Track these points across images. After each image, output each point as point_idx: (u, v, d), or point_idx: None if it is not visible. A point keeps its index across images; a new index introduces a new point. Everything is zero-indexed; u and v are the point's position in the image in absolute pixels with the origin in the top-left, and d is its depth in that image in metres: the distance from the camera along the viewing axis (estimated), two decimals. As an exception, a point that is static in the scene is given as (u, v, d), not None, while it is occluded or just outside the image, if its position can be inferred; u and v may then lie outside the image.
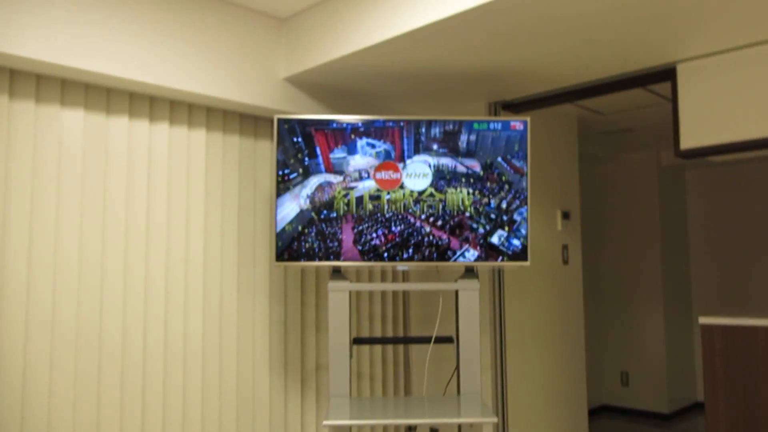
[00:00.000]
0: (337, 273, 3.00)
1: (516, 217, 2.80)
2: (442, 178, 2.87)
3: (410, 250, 2.81)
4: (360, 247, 2.84)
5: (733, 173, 5.83)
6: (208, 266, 3.15)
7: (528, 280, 4.00)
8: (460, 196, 2.92)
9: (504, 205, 2.80)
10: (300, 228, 2.90)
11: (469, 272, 3.02)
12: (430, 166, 2.85)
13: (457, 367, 3.00)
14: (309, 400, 3.54)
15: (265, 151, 3.43)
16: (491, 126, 2.98)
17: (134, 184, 2.92)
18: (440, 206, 2.92)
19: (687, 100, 3.04)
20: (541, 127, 4.20)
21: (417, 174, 2.92)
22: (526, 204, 2.86)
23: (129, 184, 2.90)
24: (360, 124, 2.89)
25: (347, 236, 2.87)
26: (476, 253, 2.80)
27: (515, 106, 3.76)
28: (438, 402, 2.85)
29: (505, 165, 2.82)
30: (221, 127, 3.24)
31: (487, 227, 2.81)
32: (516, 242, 2.78)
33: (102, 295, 2.79)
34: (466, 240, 2.81)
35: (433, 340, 3.14)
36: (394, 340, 3.31)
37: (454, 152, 2.90)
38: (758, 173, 5.68)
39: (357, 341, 3.18)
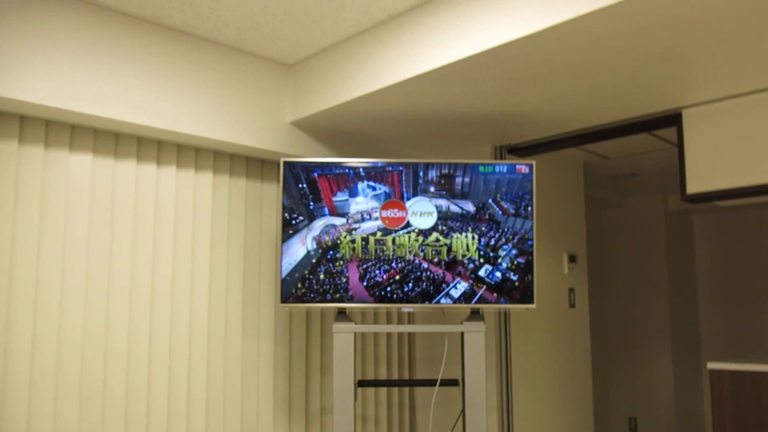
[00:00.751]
0: (342, 315, 2.99)
1: (501, 252, 2.91)
2: (446, 218, 2.90)
3: (410, 284, 2.89)
4: (365, 283, 2.88)
5: (740, 219, 5.82)
6: (213, 308, 3.15)
7: (535, 323, 3.97)
8: (465, 241, 2.93)
9: (492, 242, 2.92)
10: (308, 269, 2.91)
11: (475, 314, 3.00)
12: (433, 204, 2.91)
13: (463, 411, 2.96)
14: (313, 443, 3.49)
15: (271, 193, 3.45)
16: (497, 169, 2.99)
17: (141, 227, 2.94)
18: (445, 250, 2.92)
19: (693, 145, 3.05)
20: (547, 171, 4.21)
21: (422, 212, 2.93)
22: (511, 242, 2.92)
23: (135, 227, 2.92)
24: (361, 169, 2.93)
25: (353, 274, 2.91)
26: (466, 285, 2.89)
27: (520, 150, 3.78)
28: (443, 447, 2.81)
29: (495, 206, 2.94)
30: (228, 170, 3.27)
31: (477, 262, 2.91)
32: (498, 274, 2.89)
33: (107, 335, 2.79)
34: (459, 274, 2.90)
35: (438, 382, 3.11)
36: (400, 383, 3.28)
37: (450, 194, 2.93)
38: (766, 219, 5.67)
39: (362, 384, 3.15)
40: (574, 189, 4.46)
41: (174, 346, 2.99)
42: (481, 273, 2.91)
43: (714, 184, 2.97)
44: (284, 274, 2.93)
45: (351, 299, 2.90)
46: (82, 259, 2.73)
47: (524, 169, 2.99)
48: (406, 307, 2.96)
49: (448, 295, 2.88)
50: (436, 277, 2.90)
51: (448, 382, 3.11)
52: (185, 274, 3.06)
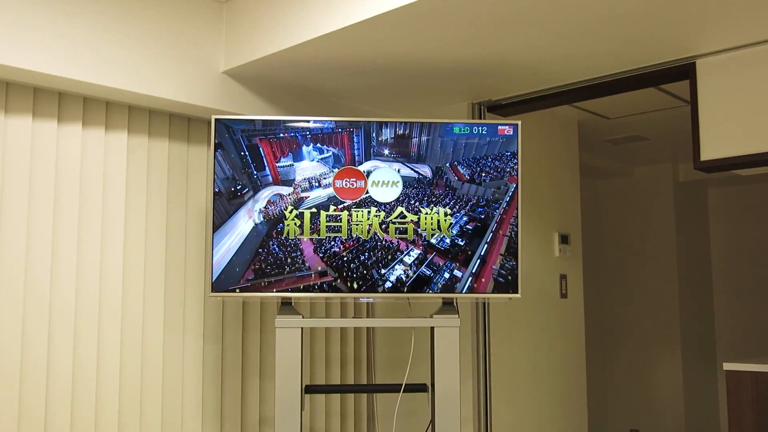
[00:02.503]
0: (286, 306, 3.01)
1: (453, 219, 3.03)
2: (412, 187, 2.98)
3: (367, 254, 2.99)
4: (321, 254, 2.98)
5: (764, 191, 5.96)
6: (127, 298, 3.15)
7: (518, 316, 4.04)
8: (435, 217, 2.98)
9: (448, 210, 3.06)
10: (258, 245, 2.97)
11: (448, 306, 3.06)
12: (398, 171, 3.02)
13: (432, 421, 3.02)
14: (251, 462, 3.54)
15: (200, 157, 3.44)
16: (475, 130, 3.03)
17: (37, 197, 2.91)
18: (411, 228, 2.97)
19: (709, 102, 3.11)
20: (534, 133, 4.27)
21: (386, 182, 2.97)
22: (464, 209, 3.05)
23: (30, 198, 2.89)
24: (307, 131, 2.99)
25: (307, 246, 2.99)
26: (418, 251, 3.01)
27: (503, 108, 3.82)
28: (407, 463, 2.87)
29: (451, 172, 3.06)
30: (146, 129, 3.25)
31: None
32: (447, 240, 3.03)
33: (-5, 332, 2.77)
34: (413, 242, 3.01)
35: (402, 388, 3.17)
36: (356, 389, 3.33)
37: (406, 157, 3.01)
38: (793, 191, 5.82)
39: (310, 390, 3.19)
40: (566, 155, 4.53)
41: (78, 343, 2.99)
42: (433, 240, 3.02)
43: (734, 149, 3.04)
44: (224, 256, 2.93)
45: (308, 270, 2.96)
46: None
47: (507, 131, 3.04)
48: (365, 297, 3.00)
49: (402, 261, 2.98)
50: (390, 245, 3.00)
51: (414, 388, 3.18)
52: (93, 256, 3.04)
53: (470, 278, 3.01)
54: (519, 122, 3.06)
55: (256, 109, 3.42)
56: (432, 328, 3.05)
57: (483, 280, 3.02)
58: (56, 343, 2.92)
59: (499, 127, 3.05)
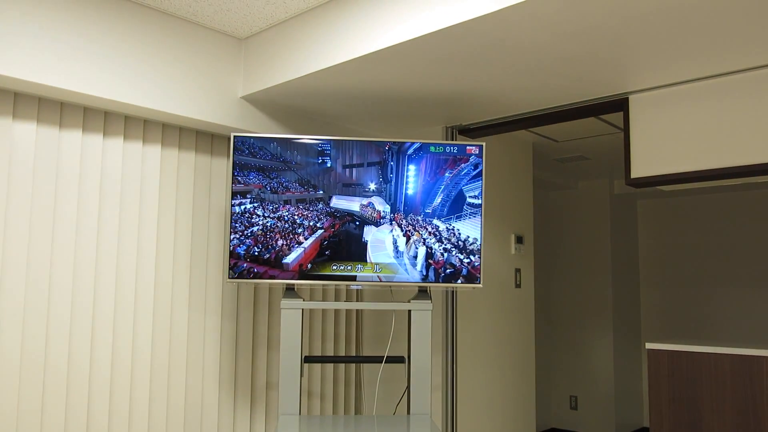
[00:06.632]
0: (290, 291, 3.01)
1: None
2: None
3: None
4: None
5: (683, 204, 6.00)
6: (159, 282, 3.13)
7: (481, 302, 4.05)
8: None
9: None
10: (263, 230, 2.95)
11: (423, 293, 3.06)
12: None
13: (408, 387, 3.02)
14: (258, 418, 3.52)
15: (221, 168, 3.43)
16: (447, 150, 3.03)
17: (85, 198, 2.89)
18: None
19: (638, 130, 3.13)
20: (496, 152, 4.28)
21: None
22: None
23: (80, 199, 2.88)
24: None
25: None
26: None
27: (471, 131, 3.83)
28: (387, 422, 2.86)
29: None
30: (176, 143, 3.23)
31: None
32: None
33: (49, 310, 2.75)
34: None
35: (384, 359, 3.17)
36: (346, 359, 3.32)
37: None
38: (707, 204, 5.87)
39: (308, 360, 3.18)
40: (522, 171, 4.54)
41: (118, 321, 2.97)
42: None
43: (658, 169, 3.06)
44: (238, 247, 2.92)
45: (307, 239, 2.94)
46: (24, 232, 2.68)
47: (474, 150, 3.04)
48: (355, 285, 2.99)
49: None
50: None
51: (394, 359, 3.17)
52: (131, 249, 3.03)
53: (441, 271, 3.01)
54: (483, 143, 3.06)
55: (268, 127, 3.41)
56: (409, 312, 3.05)
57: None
58: (100, 319, 2.91)
59: (467, 147, 3.05)
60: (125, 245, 3.02)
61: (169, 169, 3.20)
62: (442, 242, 3.01)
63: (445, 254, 3.01)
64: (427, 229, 3.01)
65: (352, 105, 3.43)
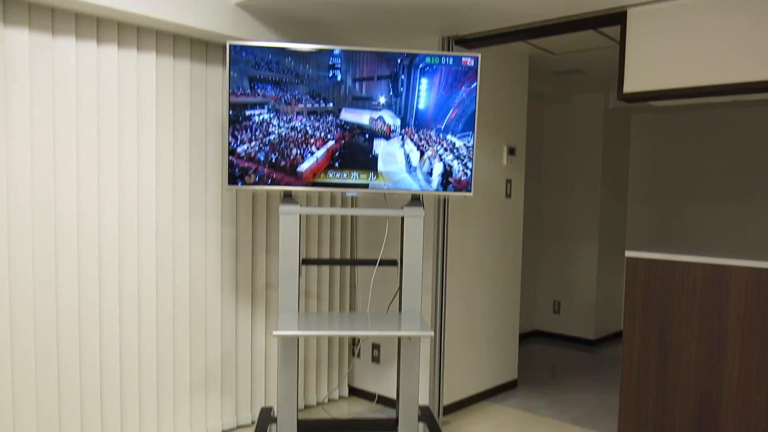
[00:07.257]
0: (287, 197, 3.08)
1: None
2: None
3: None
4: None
5: (677, 119, 6.03)
6: (160, 189, 3.21)
7: (471, 211, 4.15)
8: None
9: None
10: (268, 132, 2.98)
11: (415, 200, 3.15)
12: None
13: (400, 289, 3.15)
14: (259, 314, 3.68)
15: (216, 77, 3.43)
16: (443, 60, 3.05)
17: (83, 106, 2.92)
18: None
19: (634, 44, 3.13)
20: (492, 64, 4.28)
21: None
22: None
23: (78, 107, 2.90)
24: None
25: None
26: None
27: (468, 42, 3.82)
28: (380, 317, 3.01)
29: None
30: (171, 51, 3.23)
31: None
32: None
33: (56, 220, 2.84)
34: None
35: (378, 262, 3.28)
36: (341, 262, 3.42)
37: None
38: (701, 122, 5.90)
39: (306, 262, 3.29)
40: (518, 83, 4.55)
41: (122, 227, 3.07)
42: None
43: (650, 84, 3.08)
44: (258, 153, 2.98)
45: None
46: (25, 141, 2.73)
47: (470, 62, 3.06)
48: (350, 191, 3.07)
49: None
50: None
51: (387, 263, 3.28)
52: (131, 156, 3.08)
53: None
54: (479, 55, 3.07)
55: (264, 36, 3.40)
56: (402, 218, 3.14)
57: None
58: (105, 223, 3.00)
59: (463, 59, 3.06)
60: (126, 154, 3.07)
61: (164, 77, 3.21)
62: (461, 159, 3.07)
63: (468, 173, 3.08)
64: (442, 145, 3.04)
65: (348, 12, 3.40)
